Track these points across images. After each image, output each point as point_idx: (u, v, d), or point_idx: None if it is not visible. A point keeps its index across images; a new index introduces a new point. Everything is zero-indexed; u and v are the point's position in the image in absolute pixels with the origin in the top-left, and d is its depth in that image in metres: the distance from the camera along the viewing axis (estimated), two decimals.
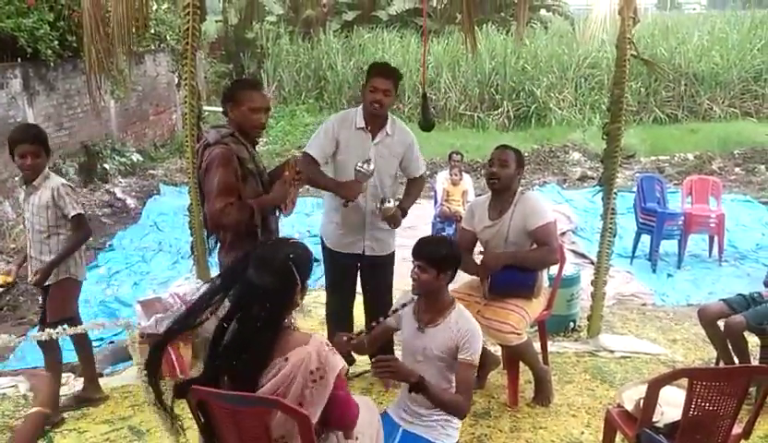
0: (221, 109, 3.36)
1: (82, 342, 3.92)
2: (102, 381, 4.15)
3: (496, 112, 14.09)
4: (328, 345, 2.25)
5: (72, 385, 4.27)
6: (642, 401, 2.66)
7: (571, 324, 4.90)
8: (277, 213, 3.40)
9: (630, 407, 2.78)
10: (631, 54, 4.18)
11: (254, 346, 2.19)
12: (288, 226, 8.14)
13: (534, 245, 3.64)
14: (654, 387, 2.56)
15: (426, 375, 2.85)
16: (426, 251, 2.85)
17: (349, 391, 2.34)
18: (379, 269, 3.93)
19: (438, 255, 2.83)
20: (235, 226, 3.14)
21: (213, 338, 2.28)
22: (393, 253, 3.99)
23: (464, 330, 2.79)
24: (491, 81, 14.32)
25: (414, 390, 2.66)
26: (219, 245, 3.38)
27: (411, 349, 2.96)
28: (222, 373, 2.25)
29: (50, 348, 3.72)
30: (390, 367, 2.63)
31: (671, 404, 2.70)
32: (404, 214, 3.82)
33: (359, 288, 4.10)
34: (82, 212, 3.68)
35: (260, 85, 3.48)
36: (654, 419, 2.64)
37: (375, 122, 3.75)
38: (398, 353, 4.19)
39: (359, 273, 3.98)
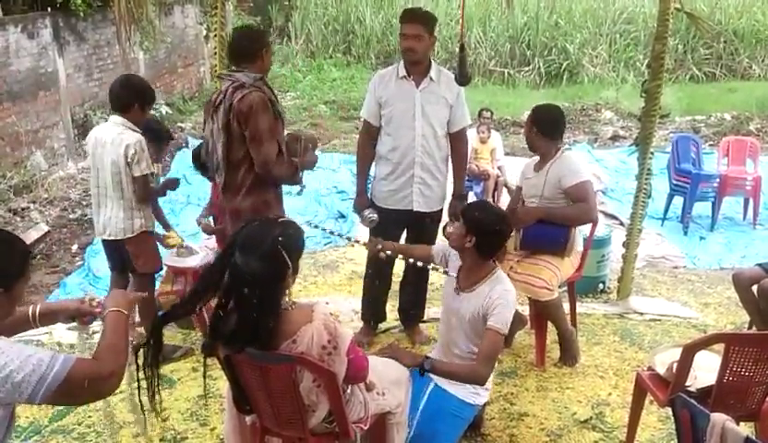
0: None
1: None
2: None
3: (527, 68, 13.80)
4: (331, 314, 2.23)
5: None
6: (675, 365, 2.63)
7: (601, 285, 4.84)
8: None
9: (662, 371, 2.75)
10: (675, 8, 4.02)
11: (258, 335, 2.13)
12: (315, 181, 8.15)
13: (572, 204, 3.60)
14: (689, 351, 2.52)
15: (456, 337, 2.90)
16: (474, 217, 2.80)
17: (360, 351, 2.34)
18: (427, 227, 3.88)
19: (491, 227, 2.80)
20: (279, 178, 3.30)
21: (210, 325, 2.22)
22: (441, 211, 3.95)
23: (495, 298, 2.75)
24: (523, 37, 13.99)
25: (422, 373, 2.66)
26: (236, 189, 3.32)
27: (447, 309, 3.00)
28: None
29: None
30: (393, 354, 2.67)
31: (704, 369, 2.66)
32: (463, 199, 3.94)
33: None
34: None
35: None
36: (686, 383, 2.60)
37: (416, 69, 3.71)
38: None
39: (406, 232, 3.94)
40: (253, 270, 2.09)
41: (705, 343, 2.56)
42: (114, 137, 3.57)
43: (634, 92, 12.40)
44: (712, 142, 9.69)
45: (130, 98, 3.62)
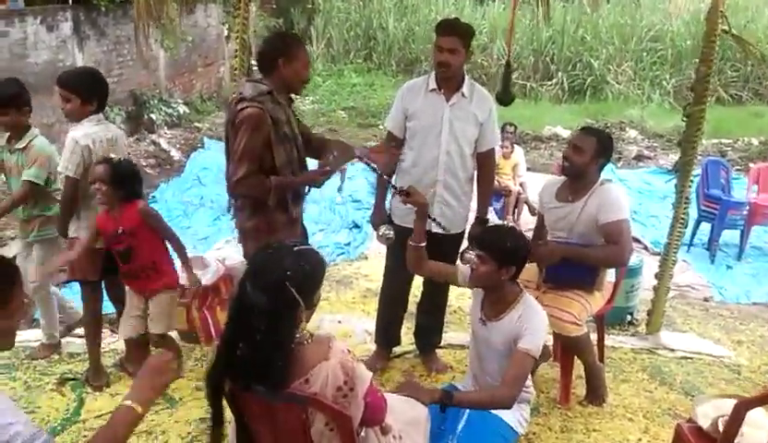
0: None
1: None
2: None
3: (550, 82, 13.57)
4: (350, 352, 2.02)
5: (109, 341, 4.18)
6: (720, 420, 2.41)
7: (629, 317, 4.61)
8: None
9: (705, 424, 2.53)
10: (722, 30, 3.80)
11: (267, 372, 1.92)
12: (332, 190, 7.97)
13: (603, 242, 3.30)
14: (741, 408, 2.29)
15: (489, 367, 2.76)
16: (488, 240, 2.63)
17: (378, 392, 2.13)
18: (444, 249, 3.51)
19: (503, 246, 2.59)
20: (246, 197, 3.10)
21: (216, 358, 2.02)
22: (462, 233, 3.70)
23: (525, 321, 2.60)
24: (547, 50, 13.78)
25: (443, 409, 2.48)
26: (239, 209, 3.25)
27: (476, 338, 2.84)
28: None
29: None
30: (410, 392, 2.46)
31: (751, 425, 2.44)
32: (485, 224, 3.61)
33: None
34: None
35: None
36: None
37: (448, 83, 3.48)
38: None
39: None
40: (257, 303, 1.90)
41: (760, 402, 2.34)
42: (114, 133, 3.56)
43: (660, 112, 12.15)
44: (738, 167, 9.44)
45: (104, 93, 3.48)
